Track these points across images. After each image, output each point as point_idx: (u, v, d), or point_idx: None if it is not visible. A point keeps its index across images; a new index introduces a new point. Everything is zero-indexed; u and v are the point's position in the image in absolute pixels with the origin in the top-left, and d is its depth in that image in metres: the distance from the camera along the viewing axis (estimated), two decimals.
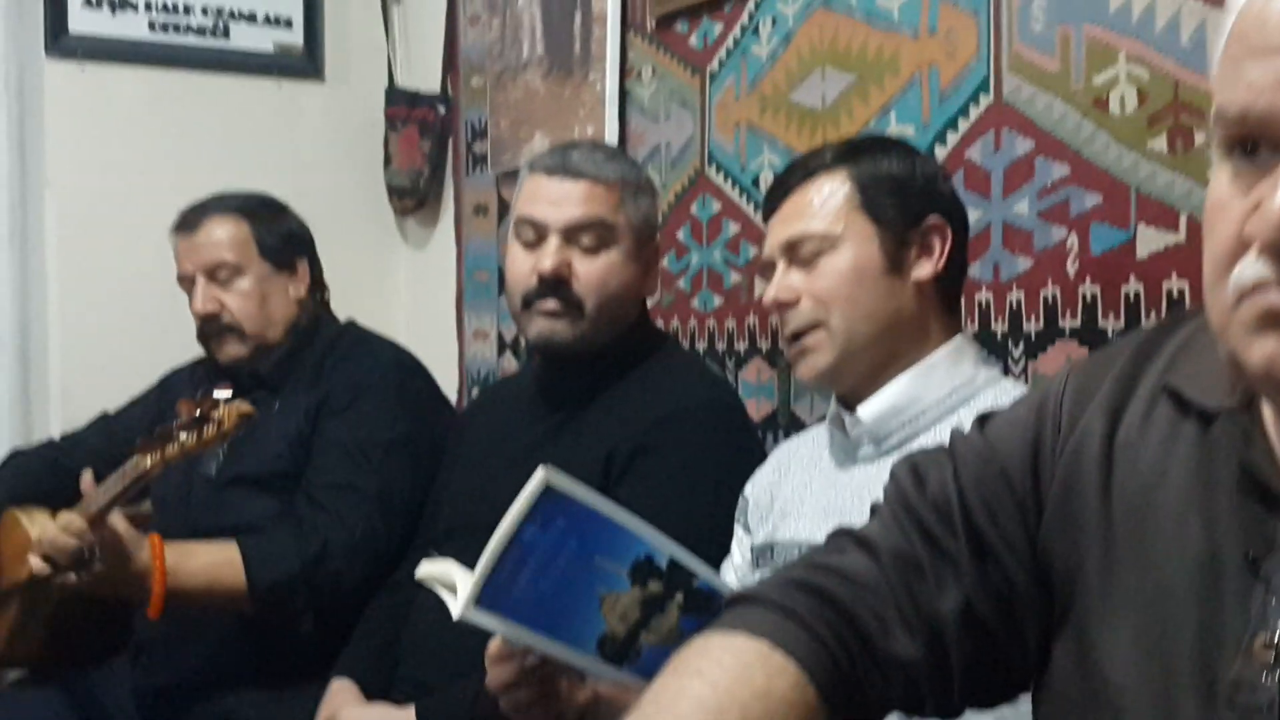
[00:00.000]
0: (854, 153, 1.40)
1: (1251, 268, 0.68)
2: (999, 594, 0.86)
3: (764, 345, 2.08)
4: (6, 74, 2.77)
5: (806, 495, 1.42)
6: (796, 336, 1.38)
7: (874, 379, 1.37)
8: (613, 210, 1.67)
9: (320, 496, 1.96)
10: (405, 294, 3.11)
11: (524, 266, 1.68)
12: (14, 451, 2.31)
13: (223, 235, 2.13)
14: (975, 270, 1.67)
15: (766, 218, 1.44)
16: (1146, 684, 0.78)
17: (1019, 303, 1.64)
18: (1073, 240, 1.55)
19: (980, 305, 1.67)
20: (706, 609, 1.17)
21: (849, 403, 1.39)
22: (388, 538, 1.93)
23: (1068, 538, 0.85)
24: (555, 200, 1.66)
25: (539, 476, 1.12)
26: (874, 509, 0.94)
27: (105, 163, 2.85)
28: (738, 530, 1.52)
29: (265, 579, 1.87)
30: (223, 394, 1.79)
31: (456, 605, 1.13)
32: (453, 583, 1.17)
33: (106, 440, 2.24)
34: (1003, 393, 1.33)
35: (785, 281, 1.38)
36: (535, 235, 1.68)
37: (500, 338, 2.80)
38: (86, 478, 1.89)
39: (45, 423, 2.83)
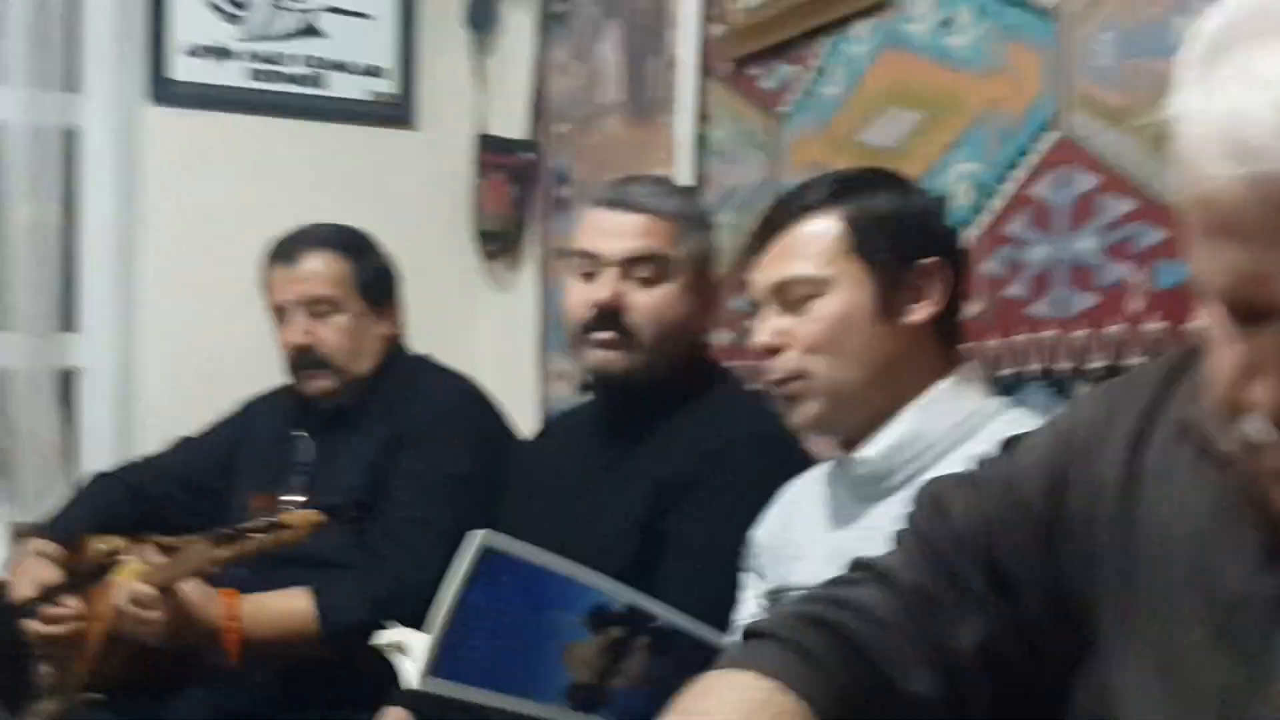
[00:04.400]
0: (845, 191, 1.34)
1: (1258, 429, 0.66)
2: (1020, 630, 0.83)
3: None
4: (109, 119, 2.87)
5: (817, 536, 1.36)
6: (781, 383, 1.33)
7: (875, 423, 1.31)
8: (669, 243, 1.68)
9: (396, 531, 1.98)
10: (489, 335, 3.15)
11: (580, 297, 1.70)
12: (98, 474, 2.38)
13: (324, 270, 2.13)
14: (1042, 308, 1.64)
15: (753, 253, 1.39)
16: None
17: (1084, 339, 1.60)
18: (1139, 276, 1.51)
19: (1046, 343, 1.63)
20: (675, 648, 1.15)
21: (851, 445, 1.34)
22: None
23: (1086, 570, 0.82)
24: (612, 232, 1.68)
25: (477, 538, 1.12)
26: (897, 536, 0.91)
27: (204, 206, 2.94)
28: (750, 577, 1.45)
29: (336, 626, 1.89)
30: (294, 498, 1.81)
31: (413, 675, 1.12)
32: (411, 649, 1.17)
33: (185, 465, 2.31)
34: (1013, 422, 1.25)
35: (774, 325, 1.33)
36: (592, 266, 1.69)
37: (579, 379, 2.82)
38: (149, 550, 1.93)
39: (143, 453, 2.91)
